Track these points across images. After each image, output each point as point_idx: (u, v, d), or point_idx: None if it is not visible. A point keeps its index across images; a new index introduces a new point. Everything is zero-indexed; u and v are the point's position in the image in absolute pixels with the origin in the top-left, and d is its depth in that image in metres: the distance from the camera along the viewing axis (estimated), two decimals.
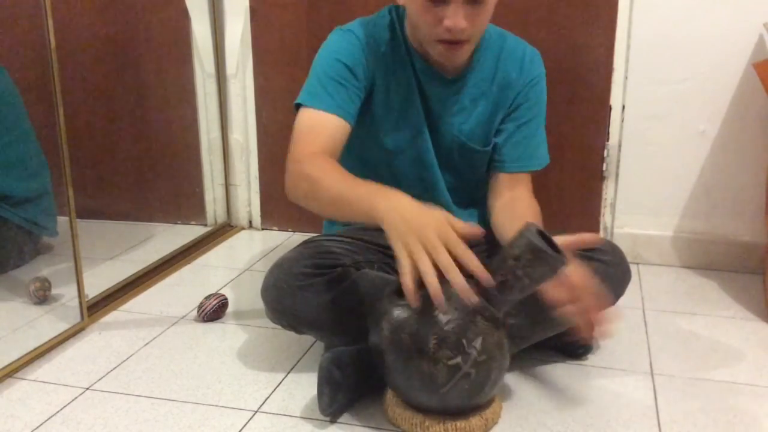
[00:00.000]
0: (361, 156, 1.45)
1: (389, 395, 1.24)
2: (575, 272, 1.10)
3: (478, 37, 1.30)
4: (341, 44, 1.34)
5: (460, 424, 1.16)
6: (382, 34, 1.36)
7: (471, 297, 1.02)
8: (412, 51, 1.36)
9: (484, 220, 1.48)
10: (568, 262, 1.06)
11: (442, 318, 1.08)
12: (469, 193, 1.48)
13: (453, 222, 1.05)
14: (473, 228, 1.06)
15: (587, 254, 1.35)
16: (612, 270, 1.36)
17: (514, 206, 1.38)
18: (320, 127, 1.29)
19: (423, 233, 1.03)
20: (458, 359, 1.08)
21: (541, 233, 1.07)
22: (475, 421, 1.17)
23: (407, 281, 1.02)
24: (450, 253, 1.02)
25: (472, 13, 1.22)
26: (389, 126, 1.40)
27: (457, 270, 1.01)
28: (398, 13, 1.37)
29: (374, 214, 1.08)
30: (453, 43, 1.25)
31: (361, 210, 1.12)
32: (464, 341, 1.08)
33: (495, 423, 1.21)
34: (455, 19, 1.21)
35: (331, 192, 1.18)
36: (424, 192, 1.44)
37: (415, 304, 1.04)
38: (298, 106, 1.33)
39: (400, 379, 1.13)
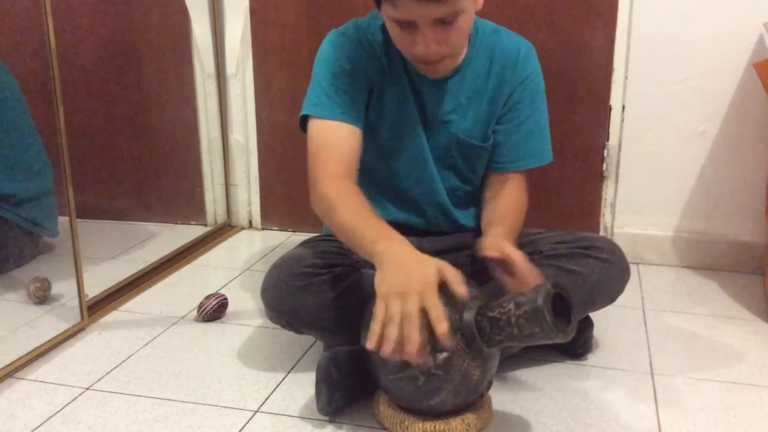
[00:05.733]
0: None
1: (378, 394, 1.24)
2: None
3: (458, 50, 1.30)
4: (338, 49, 1.35)
5: (440, 426, 1.16)
6: (376, 36, 1.37)
7: (419, 359, 1.06)
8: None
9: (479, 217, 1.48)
10: (564, 338, 1.04)
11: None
12: (470, 193, 1.48)
13: (446, 270, 1.08)
14: (462, 286, 1.08)
15: (586, 252, 1.36)
16: (610, 268, 1.36)
17: (497, 200, 1.40)
18: (334, 141, 1.31)
19: (405, 288, 1.06)
20: None
21: (560, 295, 1.05)
22: (455, 424, 1.17)
23: (375, 326, 1.06)
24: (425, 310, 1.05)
25: (443, 33, 1.21)
26: (384, 127, 1.40)
27: (416, 333, 1.03)
28: None
29: (373, 255, 1.13)
30: (431, 62, 1.27)
31: (364, 247, 1.16)
32: (427, 347, 1.07)
33: (480, 428, 1.20)
34: (426, 44, 1.22)
35: (343, 222, 1.22)
36: (422, 192, 1.45)
37: (371, 346, 1.07)
38: (304, 117, 1.34)
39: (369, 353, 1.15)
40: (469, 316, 1.09)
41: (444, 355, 1.08)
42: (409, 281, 1.06)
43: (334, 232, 1.27)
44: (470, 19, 1.26)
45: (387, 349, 1.05)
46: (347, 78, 1.33)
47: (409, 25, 1.21)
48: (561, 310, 1.05)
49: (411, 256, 1.11)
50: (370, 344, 1.06)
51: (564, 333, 1.03)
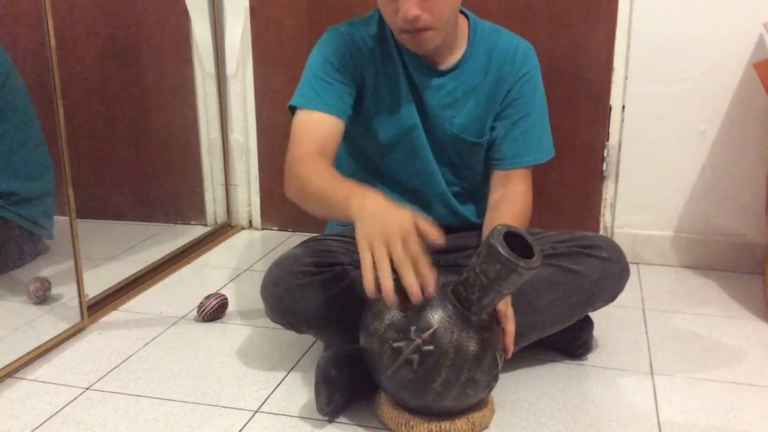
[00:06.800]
0: (358, 151, 1.46)
1: (380, 395, 1.24)
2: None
3: (443, 24, 1.29)
4: (328, 44, 1.37)
5: (445, 425, 1.16)
6: (371, 31, 1.38)
7: (416, 294, 1.04)
8: (401, 45, 1.37)
9: (484, 214, 1.49)
10: (530, 267, 1.04)
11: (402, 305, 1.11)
12: (468, 186, 1.48)
13: (418, 220, 1.08)
14: (435, 230, 1.08)
15: (585, 251, 1.36)
16: (610, 267, 1.37)
17: (499, 206, 1.40)
18: (312, 128, 1.32)
19: (386, 231, 1.05)
20: (402, 343, 1.10)
21: (515, 234, 1.08)
22: (460, 423, 1.17)
23: (367, 274, 1.05)
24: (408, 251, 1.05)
25: (425, 1, 1.23)
26: (381, 121, 1.40)
27: (409, 267, 1.04)
28: None
29: (349, 211, 1.11)
30: (413, 32, 1.27)
31: (339, 207, 1.15)
32: (412, 328, 1.10)
33: (484, 427, 1.21)
34: (407, 9, 1.23)
35: (316, 190, 1.22)
36: (422, 183, 1.45)
37: (372, 295, 1.05)
38: (292, 109, 1.37)
39: (366, 356, 1.18)
40: (446, 290, 1.13)
41: (429, 330, 1.09)
42: (388, 226, 1.06)
43: (309, 207, 1.26)
44: None
45: (392, 302, 1.04)
46: (334, 72, 1.35)
47: None
48: (525, 252, 1.07)
49: (386, 205, 1.10)
50: (370, 292, 1.05)
51: (527, 263, 1.04)
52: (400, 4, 1.23)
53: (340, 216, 1.17)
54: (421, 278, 1.05)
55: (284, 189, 1.30)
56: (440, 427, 1.16)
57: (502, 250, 1.04)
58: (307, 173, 1.25)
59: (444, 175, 1.45)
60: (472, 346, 1.11)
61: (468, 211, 1.50)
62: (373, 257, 1.05)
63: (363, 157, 1.45)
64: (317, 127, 1.32)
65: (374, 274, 1.05)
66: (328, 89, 1.34)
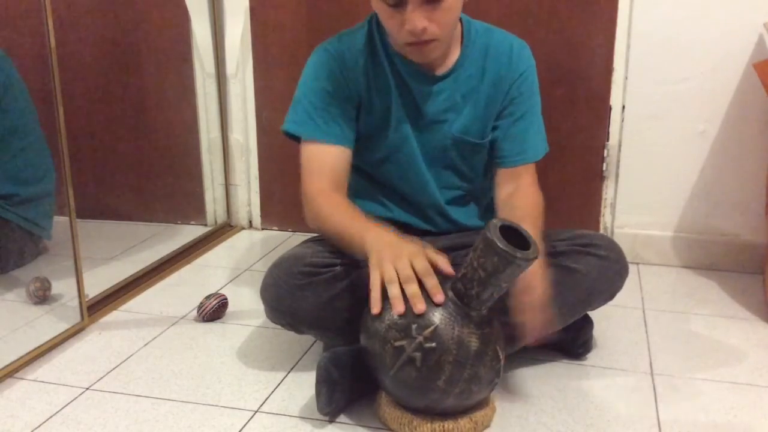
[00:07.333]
0: (354, 163, 1.45)
1: (381, 395, 1.24)
2: (534, 276, 1.18)
3: (447, 34, 1.30)
4: (320, 67, 1.37)
5: (448, 425, 1.16)
6: (360, 44, 1.38)
7: (419, 307, 1.10)
8: (393, 54, 1.36)
9: (483, 217, 1.49)
10: (527, 259, 1.05)
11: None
12: (471, 188, 1.48)
13: (428, 253, 1.16)
14: (445, 262, 1.15)
15: (584, 249, 1.36)
16: (609, 265, 1.37)
17: (513, 200, 1.40)
18: (322, 161, 1.36)
19: (396, 255, 1.14)
20: (403, 342, 1.10)
21: (510, 228, 1.09)
22: (463, 422, 1.17)
23: (374, 292, 1.13)
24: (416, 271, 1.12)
25: (431, 12, 1.23)
26: (372, 134, 1.41)
27: (414, 281, 1.11)
28: (378, 20, 1.38)
29: (363, 246, 1.19)
30: (419, 43, 1.27)
31: (355, 244, 1.23)
32: (413, 326, 1.10)
33: (486, 426, 1.21)
34: (413, 22, 1.23)
35: (335, 228, 1.29)
36: (415, 193, 1.45)
37: (376, 311, 1.13)
38: (290, 134, 1.39)
39: (367, 358, 1.18)
40: (445, 288, 1.13)
41: (430, 327, 1.09)
42: (399, 249, 1.14)
43: (331, 241, 1.33)
44: (456, 5, 1.27)
45: (399, 309, 1.10)
46: (331, 99, 1.36)
47: (397, 5, 1.23)
48: (521, 245, 1.07)
49: (399, 238, 1.19)
50: (375, 309, 1.13)
51: (524, 254, 1.04)
52: (407, 17, 1.23)
53: (357, 251, 1.23)
54: (430, 290, 1.11)
55: (306, 221, 1.35)
56: (443, 427, 1.16)
57: (498, 242, 1.04)
58: (325, 212, 1.31)
59: (447, 179, 1.45)
60: (473, 341, 1.11)
61: (462, 215, 1.49)
62: (382, 279, 1.12)
63: (359, 169, 1.45)
64: (326, 160, 1.35)
65: (381, 293, 1.13)
66: (328, 119, 1.35)
